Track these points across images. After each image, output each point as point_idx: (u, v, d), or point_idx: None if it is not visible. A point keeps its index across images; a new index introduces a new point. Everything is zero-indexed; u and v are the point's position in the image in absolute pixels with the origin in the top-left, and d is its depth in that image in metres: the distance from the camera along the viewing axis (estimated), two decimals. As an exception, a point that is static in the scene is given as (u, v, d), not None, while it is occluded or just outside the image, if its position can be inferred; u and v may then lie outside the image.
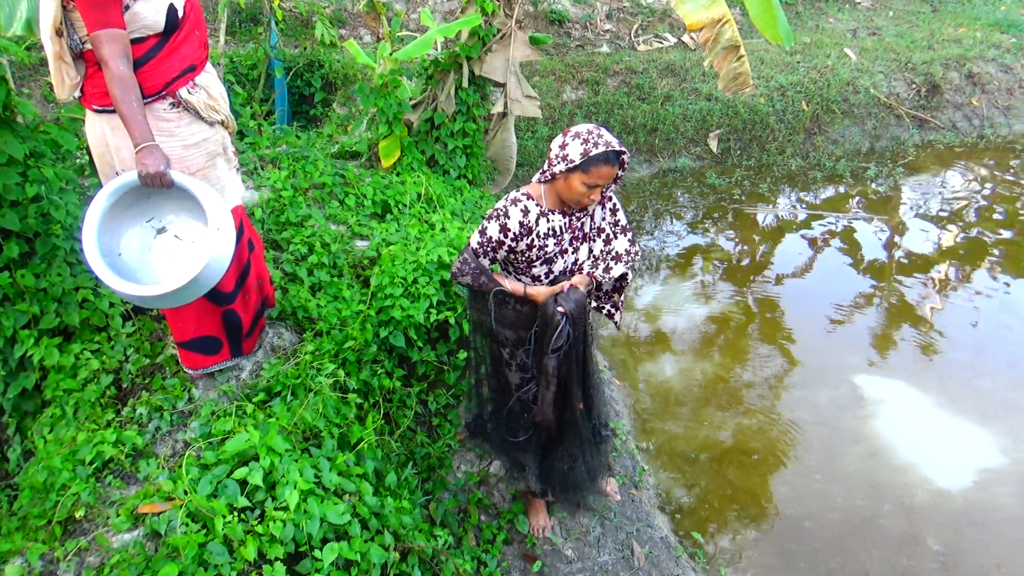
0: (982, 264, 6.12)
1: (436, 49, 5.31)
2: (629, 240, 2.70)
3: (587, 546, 3.19)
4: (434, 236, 3.83)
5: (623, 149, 2.35)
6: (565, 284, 2.55)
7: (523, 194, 2.50)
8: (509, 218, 2.44)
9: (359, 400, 3.05)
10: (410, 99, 5.00)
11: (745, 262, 6.27)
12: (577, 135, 2.34)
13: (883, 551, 3.39)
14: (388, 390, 3.35)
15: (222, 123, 2.59)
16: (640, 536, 3.28)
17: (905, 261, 6.20)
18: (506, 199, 2.51)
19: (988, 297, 5.60)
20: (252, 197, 3.90)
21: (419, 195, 4.43)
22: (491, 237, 2.47)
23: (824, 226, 6.84)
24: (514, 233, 2.44)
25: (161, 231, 2.43)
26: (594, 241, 2.65)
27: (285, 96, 6.76)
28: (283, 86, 6.14)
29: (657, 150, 8.07)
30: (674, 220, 6.98)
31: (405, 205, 4.32)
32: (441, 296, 3.45)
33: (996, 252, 6.32)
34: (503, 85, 4.84)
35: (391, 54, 4.73)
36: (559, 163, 2.35)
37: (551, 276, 2.57)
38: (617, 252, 2.67)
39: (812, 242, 6.60)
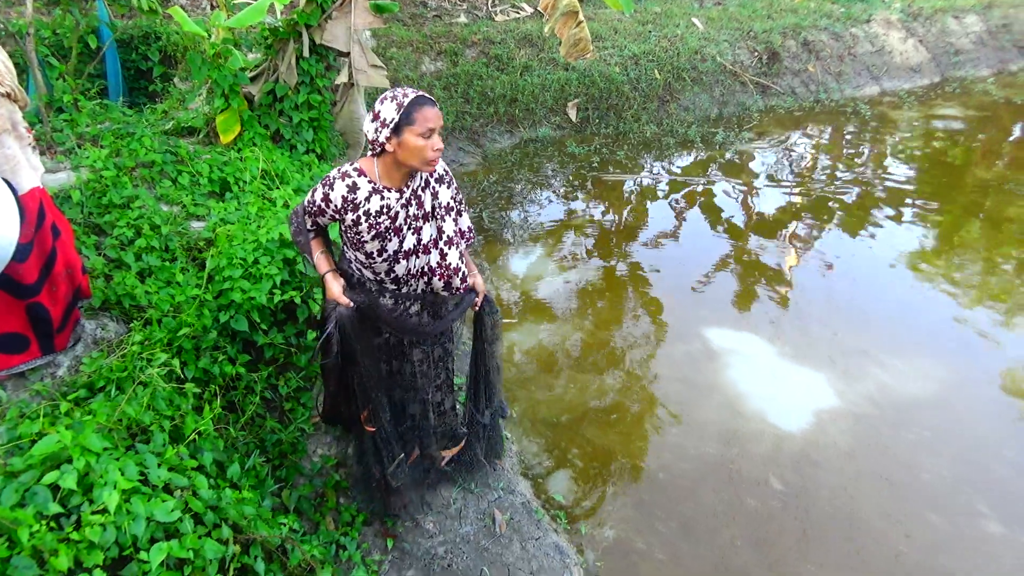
0: (826, 221, 6.55)
1: (275, 17, 5.04)
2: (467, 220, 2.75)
3: (448, 518, 3.17)
4: (276, 213, 3.64)
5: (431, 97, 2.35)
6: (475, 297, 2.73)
7: (355, 169, 2.43)
8: (333, 190, 2.40)
9: (197, 390, 2.87)
10: (248, 70, 4.72)
11: (609, 228, 6.41)
12: (382, 100, 2.32)
13: (731, 494, 3.58)
14: (232, 377, 3.17)
15: (8, 96, 2.33)
16: (502, 503, 3.29)
17: (758, 221, 6.54)
18: (339, 170, 2.44)
19: (832, 251, 6.00)
20: (67, 178, 3.57)
21: (261, 171, 4.20)
22: (315, 201, 2.45)
23: (683, 191, 7.10)
24: (336, 206, 2.41)
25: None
26: (443, 220, 2.58)
27: (117, 70, 6.24)
28: (105, 56, 5.66)
29: (518, 120, 8.08)
30: (538, 189, 7.04)
31: (246, 182, 4.10)
32: (285, 275, 3.29)
33: (837, 209, 6.78)
34: (347, 54, 4.66)
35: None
36: (381, 131, 2.30)
37: (384, 255, 2.49)
38: (461, 230, 2.68)
39: (672, 206, 6.84)
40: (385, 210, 2.42)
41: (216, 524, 2.31)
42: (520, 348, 4.66)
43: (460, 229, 2.67)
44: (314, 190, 2.46)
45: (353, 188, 2.39)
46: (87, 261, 3.18)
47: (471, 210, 6.35)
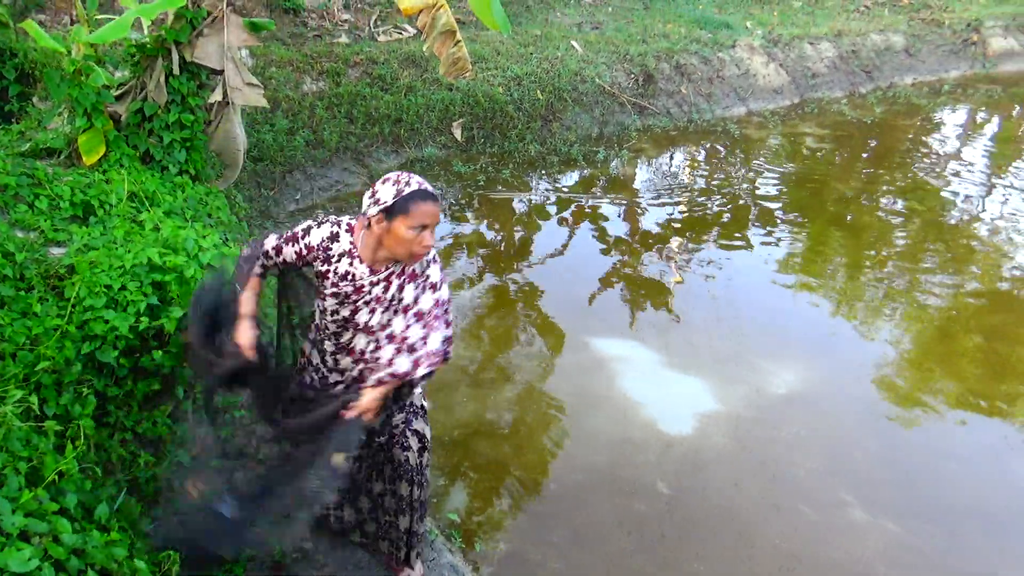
0: (704, 234, 6.87)
1: (142, 33, 4.82)
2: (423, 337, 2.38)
3: (339, 547, 3.08)
4: (145, 237, 3.46)
5: (436, 193, 2.29)
6: (351, 410, 2.28)
7: (347, 225, 2.38)
8: (318, 230, 2.39)
9: (59, 427, 2.67)
10: (114, 88, 4.49)
11: (498, 246, 6.48)
12: (387, 180, 2.26)
13: (620, 500, 3.68)
14: (100, 412, 2.98)
15: None
16: (394, 526, 3.23)
17: (641, 236, 6.79)
18: (334, 219, 2.41)
19: (711, 263, 6.29)
20: (-96, 204, 3.27)
21: (128, 193, 3.99)
22: (295, 233, 2.43)
23: (569, 207, 7.28)
24: (308, 244, 2.39)
25: None
26: (395, 315, 2.40)
27: (-35, 89, 5.79)
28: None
29: (403, 140, 8.06)
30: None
31: (112, 205, 3.88)
32: (155, 300, 3.12)
33: (714, 223, 7.13)
34: (221, 72, 4.51)
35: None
36: (372, 207, 2.23)
37: (336, 318, 2.42)
38: (411, 343, 2.38)
39: (559, 223, 6.99)
40: (350, 277, 2.36)
41: (81, 570, 2.15)
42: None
43: (426, 343, 2.38)
44: (298, 225, 2.44)
45: (335, 238, 2.36)
46: (-72, 293, 2.92)
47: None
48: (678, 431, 4.23)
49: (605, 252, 6.44)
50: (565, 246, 6.56)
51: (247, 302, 2.48)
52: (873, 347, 5.16)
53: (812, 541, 3.52)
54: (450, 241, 6.45)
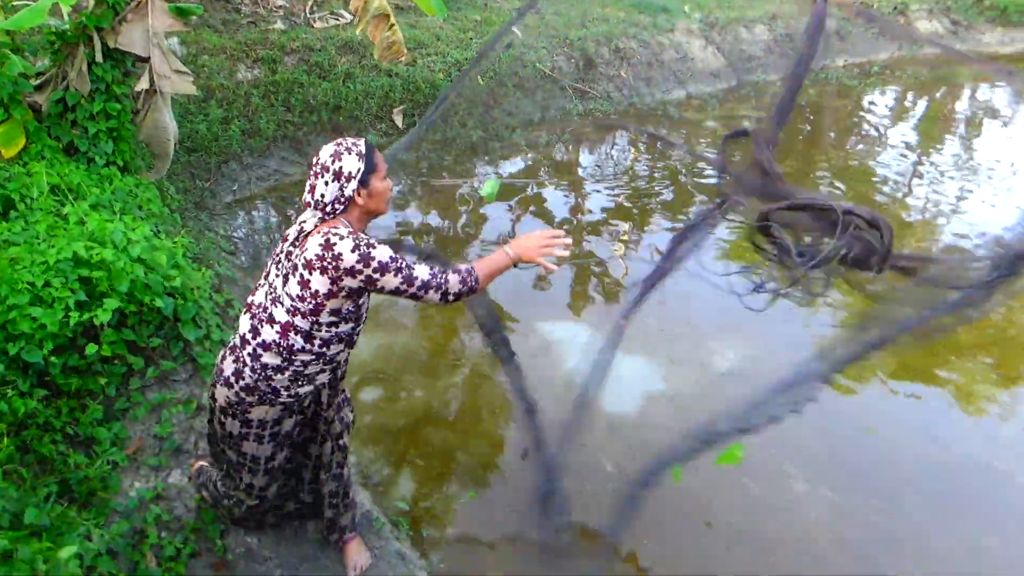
0: (651, 219, 6.94)
1: (61, 19, 4.63)
2: None
3: (284, 540, 3.04)
4: (69, 231, 3.34)
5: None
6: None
7: (345, 227, 2.23)
8: (363, 234, 2.24)
9: (-18, 431, 2.57)
10: (32, 77, 4.30)
11: (444, 233, 6.44)
12: (335, 156, 2.18)
13: (567, 482, 3.68)
14: (26, 414, 2.87)
15: None
16: (340, 516, 3.20)
17: (588, 219, 6.83)
18: (337, 234, 2.17)
19: (658, 247, 6.33)
20: None
21: (51, 187, 3.83)
22: (393, 254, 2.19)
23: (513, 192, 7.27)
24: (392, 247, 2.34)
25: None
26: None
27: None
28: None
29: (343, 128, 7.92)
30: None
31: (33, 199, 3.72)
32: (83, 296, 3.02)
33: (658, 206, 7.20)
34: (147, 59, 4.36)
35: (0, 24, 4.01)
36: (348, 185, 2.18)
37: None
38: None
39: (505, 208, 6.97)
40: None
41: (8, 576, 2.07)
42: (357, 358, 4.56)
43: None
44: (381, 263, 2.16)
45: (353, 235, 2.22)
46: None
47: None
48: (626, 411, 4.28)
49: (549, 237, 6.46)
50: (511, 232, 6.55)
51: (490, 256, 2.47)
52: (811, 322, 5.30)
53: (755, 514, 3.61)
54: (395, 230, 6.39)
